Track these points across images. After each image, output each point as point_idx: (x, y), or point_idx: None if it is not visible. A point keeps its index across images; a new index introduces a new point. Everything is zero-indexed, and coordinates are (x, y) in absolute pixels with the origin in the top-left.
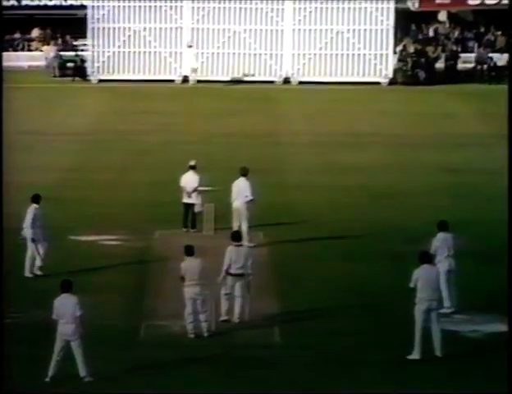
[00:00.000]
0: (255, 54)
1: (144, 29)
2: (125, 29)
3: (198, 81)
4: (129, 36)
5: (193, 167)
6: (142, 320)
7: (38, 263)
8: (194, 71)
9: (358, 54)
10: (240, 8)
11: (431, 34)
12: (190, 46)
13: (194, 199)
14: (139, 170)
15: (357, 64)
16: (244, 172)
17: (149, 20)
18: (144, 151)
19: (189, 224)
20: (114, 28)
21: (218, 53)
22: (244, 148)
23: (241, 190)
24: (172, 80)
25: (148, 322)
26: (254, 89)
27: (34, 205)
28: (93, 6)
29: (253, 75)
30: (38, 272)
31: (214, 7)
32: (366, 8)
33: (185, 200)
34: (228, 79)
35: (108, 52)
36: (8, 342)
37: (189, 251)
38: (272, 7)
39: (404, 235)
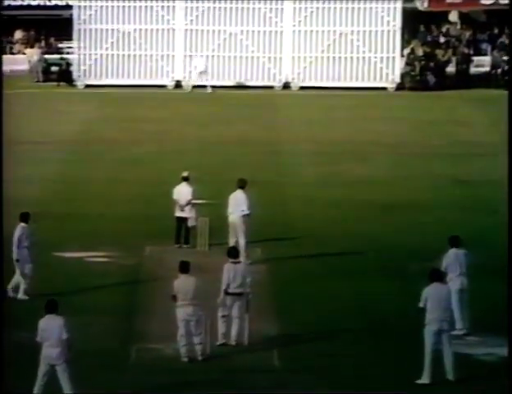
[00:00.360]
0: (253, 57)
1: (134, 30)
2: (113, 30)
3: (193, 86)
4: (117, 38)
5: (186, 179)
6: (132, 343)
7: (22, 285)
8: (203, 76)
9: (363, 57)
10: (237, 8)
11: (441, 35)
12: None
13: (187, 213)
14: (129, 181)
15: (361, 68)
16: (242, 184)
17: (139, 21)
18: (133, 161)
19: (182, 239)
20: (102, 29)
21: (213, 56)
22: (241, 158)
23: (238, 203)
24: (164, 85)
25: (138, 345)
26: (252, 94)
27: (22, 224)
28: (79, 6)
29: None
30: (23, 297)
31: (209, 7)
32: (371, 8)
33: (178, 214)
34: (224, 84)
35: (96, 55)
36: None
37: (184, 268)
38: (271, 7)
39: (412, 252)
